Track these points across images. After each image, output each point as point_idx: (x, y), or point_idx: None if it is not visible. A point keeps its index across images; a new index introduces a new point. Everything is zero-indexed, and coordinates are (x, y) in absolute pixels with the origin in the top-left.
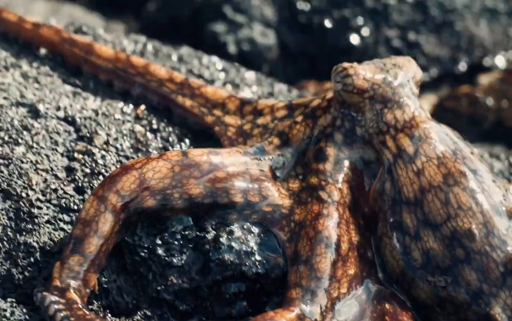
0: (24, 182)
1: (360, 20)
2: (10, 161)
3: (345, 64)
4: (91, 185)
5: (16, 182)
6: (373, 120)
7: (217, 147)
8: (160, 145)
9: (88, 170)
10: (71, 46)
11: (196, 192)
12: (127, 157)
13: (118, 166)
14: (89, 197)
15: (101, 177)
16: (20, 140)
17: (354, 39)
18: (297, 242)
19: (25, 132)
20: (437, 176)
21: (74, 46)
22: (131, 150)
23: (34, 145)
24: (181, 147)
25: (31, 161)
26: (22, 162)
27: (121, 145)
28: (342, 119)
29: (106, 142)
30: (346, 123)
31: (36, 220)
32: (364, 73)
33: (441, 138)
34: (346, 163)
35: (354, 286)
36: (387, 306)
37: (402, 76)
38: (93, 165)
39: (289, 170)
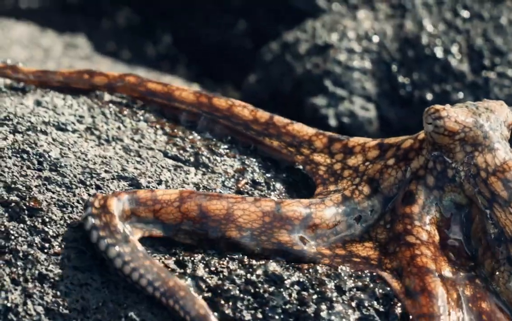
0: None
1: (460, 94)
2: None
3: (437, 106)
4: (192, 259)
5: None
6: (463, 163)
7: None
8: None
9: (189, 244)
10: (152, 97)
11: (286, 240)
12: None
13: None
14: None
15: (202, 251)
16: None
17: None
18: (403, 280)
19: None
20: None
21: (154, 97)
22: None
23: None
24: None
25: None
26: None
27: None
28: (434, 162)
29: None
30: (437, 166)
31: (137, 294)
32: (456, 115)
33: None
34: (435, 206)
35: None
36: (483, 305)
37: (494, 119)
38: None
39: (377, 219)
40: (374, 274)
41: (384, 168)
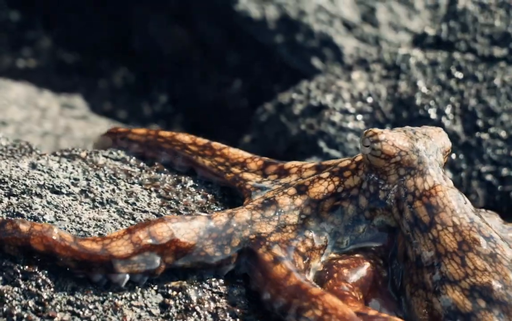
0: (118, 318)
1: (453, 155)
2: (105, 297)
3: (376, 129)
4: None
5: (110, 318)
6: (395, 185)
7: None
8: None
9: (182, 307)
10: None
11: (211, 252)
12: (220, 294)
13: (212, 303)
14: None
15: (194, 314)
16: None
17: (448, 174)
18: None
19: None
20: (452, 243)
21: (117, 135)
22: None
23: (129, 282)
24: None
25: (126, 298)
26: (117, 298)
27: (214, 282)
28: (368, 183)
29: (200, 280)
30: (370, 187)
31: None
32: (394, 139)
33: (460, 207)
34: (363, 226)
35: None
36: (340, 261)
37: (430, 145)
38: (187, 301)
39: (294, 209)
40: None
41: (317, 179)
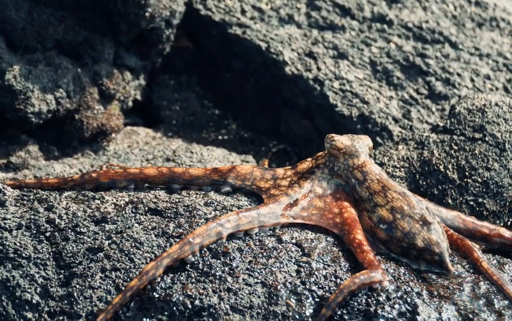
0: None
1: (452, 192)
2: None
3: (333, 134)
4: (308, 281)
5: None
6: (343, 163)
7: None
8: None
9: (308, 272)
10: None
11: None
12: (319, 269)
13: (323, 273)
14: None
15: (314, 277)
16: (271, 254)
17: (450, 201)
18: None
19: (274, 251)
20: (378, 187)
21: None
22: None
23: (279, 258)
24: None
25: (276, 267)
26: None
27: (323, 257)
28: (329, 162)
29: (320, 254)
30: (330, 164)
31: (279, 298)
32: (342, 140)
33: (379, 171)
34: (326, 182)
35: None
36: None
37: (362, 143)
38: (311, 269)
39: (284, 177)
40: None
41: (304, 161)
